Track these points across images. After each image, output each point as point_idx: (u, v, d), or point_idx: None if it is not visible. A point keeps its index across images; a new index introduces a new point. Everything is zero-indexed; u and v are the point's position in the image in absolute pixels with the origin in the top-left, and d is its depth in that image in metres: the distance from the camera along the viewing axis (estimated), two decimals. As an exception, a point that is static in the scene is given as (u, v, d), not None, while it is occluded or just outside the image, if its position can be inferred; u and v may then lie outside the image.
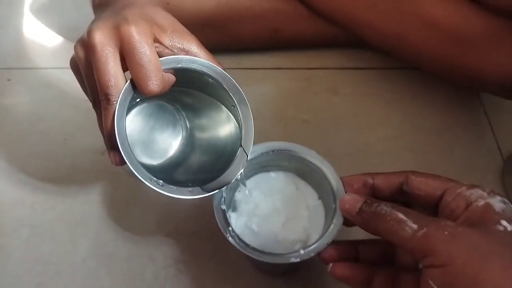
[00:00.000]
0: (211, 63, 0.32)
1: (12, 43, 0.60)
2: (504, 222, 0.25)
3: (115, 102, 0.29)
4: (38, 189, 0.47)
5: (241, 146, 0.34)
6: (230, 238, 0.31)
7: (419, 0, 0.45)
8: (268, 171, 0.37)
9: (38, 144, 0.50)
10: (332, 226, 0.32)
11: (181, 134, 0.38)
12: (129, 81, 0.30)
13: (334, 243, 0.31)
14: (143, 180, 0.30)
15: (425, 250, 0.25)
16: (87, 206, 0.46)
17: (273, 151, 0.36)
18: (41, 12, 0.63)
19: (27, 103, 0.54)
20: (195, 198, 0.32)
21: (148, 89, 0.29)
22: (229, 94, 0.33)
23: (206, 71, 0.32)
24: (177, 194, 0.31)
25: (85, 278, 0.42)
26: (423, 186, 0.30)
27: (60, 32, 0.60)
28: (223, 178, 0.33)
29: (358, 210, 0.30)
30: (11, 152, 0.50)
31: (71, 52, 0.33)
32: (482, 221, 0.26)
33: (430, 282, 0.25)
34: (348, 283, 0.31)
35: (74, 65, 0.32)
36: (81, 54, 0.31)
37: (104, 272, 0.42)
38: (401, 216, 0.27)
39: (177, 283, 0.41)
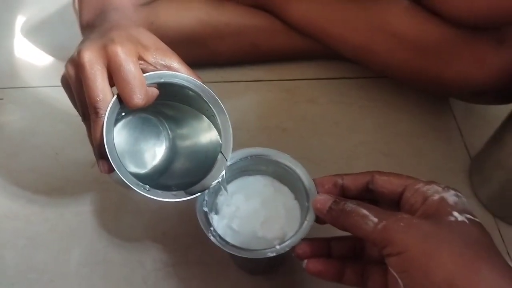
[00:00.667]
0: (191, 78, 0.35)
1: (4, 64, 0.62)
2: (455, 213, 0.28)
3: (103, 115, 0.31)
4: (32, 201, 0.49)
5: (221, 152, 0.36)
6: (211, 237, 0.34)
7: (386, 15, 0.49)
8: (247, 175, 0.40)
9: (31, 158, 0.52)
10: (305, 223, 0.34)
11: (164, 143, 0.41)
12: (116, 95, 0.32)
13: (308, 240, 0.34)
14: (131, 185, 0.32)
15: (384, 241, 0.27)
16: (78, 216, 0.48)
17: (251, 156, 0.38)
18: (31, 33, 0.66)
19: (19, 120, 0.56)
20: (178, 201, 0.34)
21: (133, 103, 0.32)
22: (209, 105, 0.36)
23: (186, 85, 0.35)
24: (162, 198, 0.33)
25: (78, 285, 0.44)
26: (386, 184, 0.32)
27: (50, 52, 0.63)
28: (205, 182, 0.36)
29: (328, 208, 0.32)
30: (5, 167, 0.52)
31: (61, 71, 0.35)
32: (437, 213, 0.29)
33: (390, 269, 0.28)
34: (322, 278, 0.33)
35: (65, 82, 0.35)
36: (72, 72, 0.33)
37: (96, 278, 0.44)
38: (364, 211, 0.29)
39: (166, 285, 0.43)
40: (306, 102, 0.59)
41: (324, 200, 0.33)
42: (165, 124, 0.40)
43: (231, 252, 0.33)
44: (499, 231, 0.48)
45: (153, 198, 0.33)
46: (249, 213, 0.38)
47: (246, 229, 0.37)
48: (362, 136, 0.55)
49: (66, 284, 0.44)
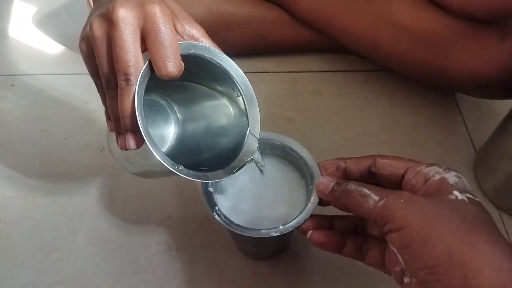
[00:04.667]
0: (221, 53, 0.33)
1: (15, 52, 0.64)
2: (456, 192, 0.28)
3: (134, 83, 0.28)
4: (40, 184, 0.50)
5: (249, 132, 0.35)
6: (216, 216, 0.34)
7: (390, 7, 0.49)
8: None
9: (40, 143, 0.53)
10: (309, 204, 0.35)
11: (173, 127, 0.40)
12: (147, 62, 0.29)
13: (312, 216, 0.34)
14: (165, 163, 0.29)
15: (385, 217, 0.28)
16: (85, 199, 0.49)
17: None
18: (41, 24, 0.67)
19: (29, 106, 0.57)
20: (213, 181, 0.33)
21: (167, 71, 0.28)
22: (236, 83, 0.34)
23: (216, 60, 0.33)
24: (195, 178, 0.31)
25: (83, 264, 0.44)
26: (388, 166, 0.33)
27: (59, 41, 0.64)
28: (238, 161, 0.35)
29: (330, 189, 0.33)
30: (15, 151, 0.53)
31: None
32: (437, 192, 0.29)
33: (391, 246, 0.28)
34: (324, 248, 0.34)
35: (86, 44, 0.30)
36: (100, 31, 0.29)
37: (101, 258, 0.45)
38: (366, 190, 0.30)
39: (169, 267, 0.44)
40: (310, 93, 0.59)
41: (326, 182, 0.33)
42: (174, 107, 0.40)
43: (235, 231, 0.34)
44: (503, 224, 0.48)
45: (186, 178, 0.31)
46: (254, 194, 0.39)
47: (251, 211, 0.38)
48: (364, 127, 0.56)
49: (72, 263, 0.44)
